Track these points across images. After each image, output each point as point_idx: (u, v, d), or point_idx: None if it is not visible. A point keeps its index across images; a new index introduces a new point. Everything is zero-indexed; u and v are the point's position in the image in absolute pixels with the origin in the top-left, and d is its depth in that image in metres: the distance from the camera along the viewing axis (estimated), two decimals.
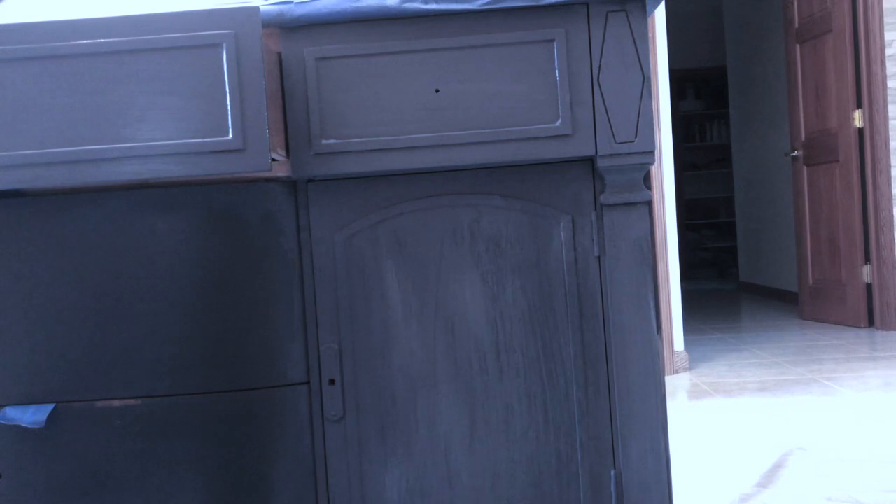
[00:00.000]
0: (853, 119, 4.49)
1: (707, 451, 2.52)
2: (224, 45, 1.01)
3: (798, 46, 4.96)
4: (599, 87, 1.16)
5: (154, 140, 1.02)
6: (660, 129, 3.60)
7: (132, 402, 1.15)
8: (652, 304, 1.18)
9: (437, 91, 1.16)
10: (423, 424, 1.20)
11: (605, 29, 1.16)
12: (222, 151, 1.02)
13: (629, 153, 1.16)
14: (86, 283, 1.15)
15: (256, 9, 1.03)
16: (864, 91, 4.45)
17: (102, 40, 1.01)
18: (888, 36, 4.37)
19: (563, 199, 1.20)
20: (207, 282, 1.15)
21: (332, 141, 1.16)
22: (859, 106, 4.49)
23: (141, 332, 1.15)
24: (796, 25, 4.96)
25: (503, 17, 1.16)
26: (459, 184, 1.20)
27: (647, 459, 1.19)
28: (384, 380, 1.20)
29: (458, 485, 1.20)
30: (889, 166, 4.40)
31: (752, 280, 6.88)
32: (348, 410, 1.20)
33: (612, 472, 1.20)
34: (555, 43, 1.15)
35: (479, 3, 1.14)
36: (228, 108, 1.02)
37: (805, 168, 5.00)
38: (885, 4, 4.36)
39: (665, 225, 3.66)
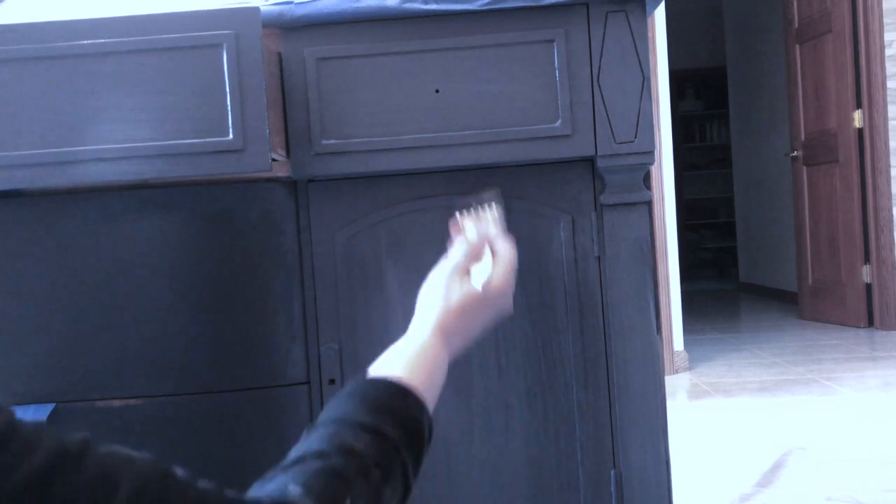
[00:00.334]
0: (853, 119, 4.49)
1: (707, 451, 2.52)
2: (224, 45, 1.01)
3: (798, 46, 4.95)
4: (599, 87, 1.16)
5: (154, 140, 1.01)
6: (660, 130, 3.60)
7: (132, 402, 1.15)
8: (652, 304, 1.18)
9: (437, 91, 1.16)
10: None
11: (604, 29, 1.16)
12: (222, 151, 1.02)
13: (629, 153, 1.16)
14: (85, 283, 1.15)
15: (256, 9, 1.03)
16: (863, 91, 4.45)
17: (102, 40, 1.01)
18: (888, 36, 4.37)
19: (563, 199, 1.20)
20: (207, 282, 1.15)
21: (332, 141, 1.16)
22: (859, 106, 4.49)
23: (141, 332, 1.15)
24: (796, 25, 4.96)
25: (503, 17, 1.16)
26: (459, 184, 1.20)
27: (647, 459, 1.18)
28: None
29: (458, 484, 1.20)
30: (889, 166, 4.40)
31: (751, 280, 6.88)
32: None
33: (612, 472, 1.19)
34: (555, 43, 1.15)
35: (479, 3, 1.14)
36: (228, 108, 1.02)
37: (805, 168, 5.00)
38: (885, 4, 4.36)
39: (665, 225, 3.66)
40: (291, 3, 1.14)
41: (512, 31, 1.16)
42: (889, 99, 4.39)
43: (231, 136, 1.02)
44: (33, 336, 1.15)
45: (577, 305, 1.20)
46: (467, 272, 0.91)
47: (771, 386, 3.35)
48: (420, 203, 1.20)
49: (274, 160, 1.11)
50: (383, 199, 1.20)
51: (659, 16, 3.63)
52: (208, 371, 1.15)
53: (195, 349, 1.15)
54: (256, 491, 0.62)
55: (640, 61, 1.16)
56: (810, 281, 5.00)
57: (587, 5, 1.16)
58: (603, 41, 1.16)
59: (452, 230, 0.96)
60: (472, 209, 0.98)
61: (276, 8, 1.14)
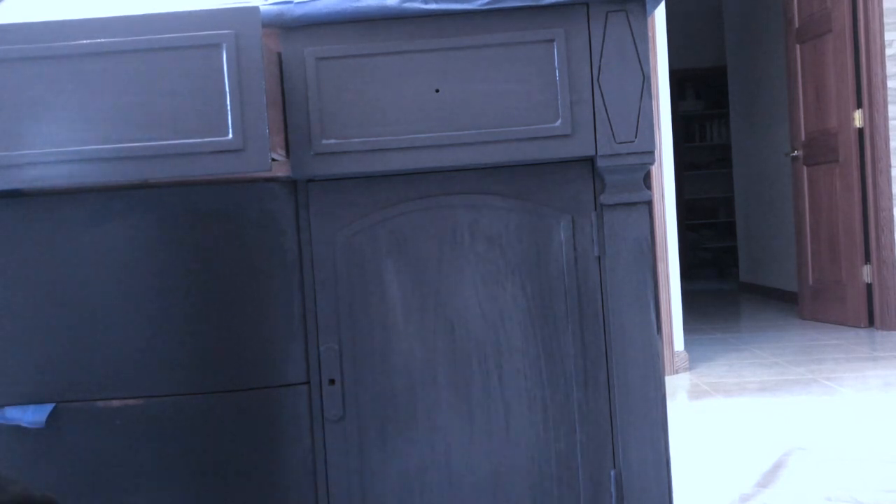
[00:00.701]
0: (853, 119, 4.49)
1: (707, 451, 2.52)
2: (224, 45, 1.01)
3: (798, 46, 4.95)
4: (599, 87, 1.16)
5: (154, 140, 1.02)
6: (660, 129, 3.60)
7: (132, 402, 1.15)
8: (652, 304, 1.18)
9: (437, 91, 1.16)
10: (423, 424, 1.20)
11: (605, 29, 1.16)
12: (222, 151, 1.02)
13: (629, 153, 1.16)
14: (86, 282, 1.15)
15: (256, 9, 1.03)
16: (864, 91, 4.45)
17: (102, 40, 1.01)
18: (888, 36, 4.37)
19: (563, 199, 1.20)
20: (208, 281, 1.15)
21: (332, 141, 1.16)
22: (859, 106, 4.49)
23: (141, 332, 1.15)
24: (796, 25, 4.96)
25: (503, 17, 1.16)
26: (459, 184, 1.20)
27: (647, 459, 1.19)
28: (384, 380, 1.20)
29: (459, 484, 1.20)
30: (889, 166, 4.40)
31: (752, 280, 6.88)
32: (348, 410, 1.20)
33: (612, 472, 1.20)
34: (555, 43, 1.15)
35: (479, 3, 1.14)
36: (228, 108, 1.02)
37: (805, 168, 5.00)
38: (885, 4, 4.36)
39: (665, 225, 3.66)
40: (291, 2, 1.14)
41: (512, 30, 1.16)
42: (889, 98, 4.39)
43: (231, 135, 1.02)
44: (33, 336, 1.15)
45: (577, 305, 1.20)
46: None
47: (771, 386, 3.35)
48: (420, 203, 1.20)
49: (274, 160, 1.11)
50: (383, 199, 1.20)
51: (659, 16, 3.63)
52: (208, 371, 1.15)
53: (195, 349, 1.15)
54: None
55: (640, 61, 1.16)
56: (810, 281, 5.00)
57: (587, 5, 1.16)
58: (603, 41, 1.16)
59: None
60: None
61: (276, 7, 1.14)
